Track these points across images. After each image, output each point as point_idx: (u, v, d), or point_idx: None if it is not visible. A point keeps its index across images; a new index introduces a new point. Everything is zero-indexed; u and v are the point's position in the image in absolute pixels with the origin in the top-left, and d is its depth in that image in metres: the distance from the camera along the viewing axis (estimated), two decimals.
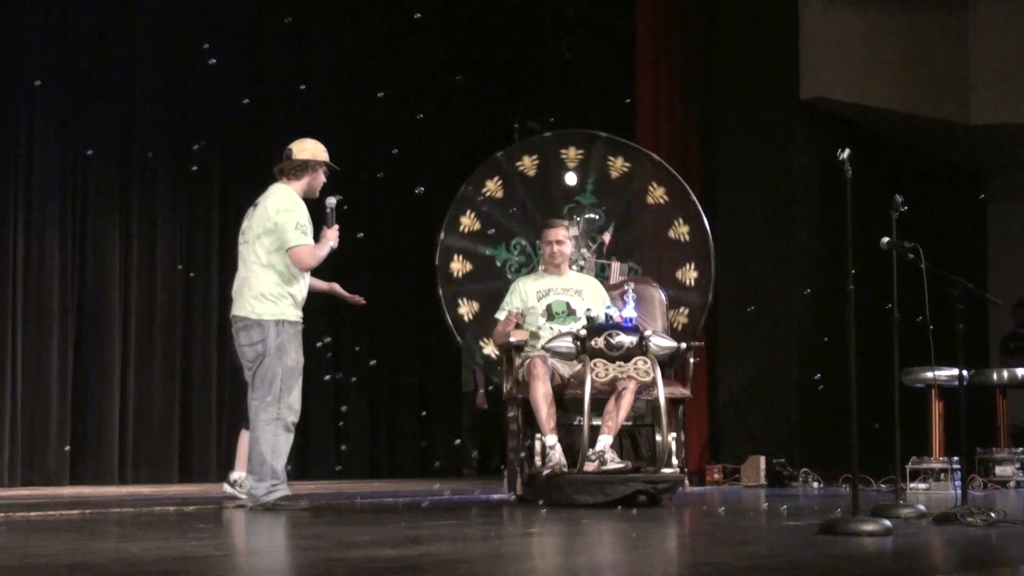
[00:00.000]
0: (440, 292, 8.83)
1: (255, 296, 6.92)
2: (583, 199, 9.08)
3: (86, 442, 10.23)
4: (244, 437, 7.34)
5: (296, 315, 7.01)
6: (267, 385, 6.88)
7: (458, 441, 12.39)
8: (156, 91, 10.77)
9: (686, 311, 8.89)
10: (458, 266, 8.91)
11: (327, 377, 11.06)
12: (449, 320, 8.80)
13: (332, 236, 7.09)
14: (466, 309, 8.85)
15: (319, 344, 10.53)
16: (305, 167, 7.10)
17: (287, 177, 7.11)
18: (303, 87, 11.15)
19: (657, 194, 9.14)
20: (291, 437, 6.97)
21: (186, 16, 10.87)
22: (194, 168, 10.60)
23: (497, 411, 11.67)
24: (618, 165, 9.15)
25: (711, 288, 8.96)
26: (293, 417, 6.95)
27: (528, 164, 9.13)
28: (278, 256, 6.93)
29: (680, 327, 8.78)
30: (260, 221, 6.96)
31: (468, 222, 8.98)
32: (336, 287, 7.56)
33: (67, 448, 9.99)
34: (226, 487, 7.51)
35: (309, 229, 6.98)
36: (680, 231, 9.09)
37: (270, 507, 6.79)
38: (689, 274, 9.00)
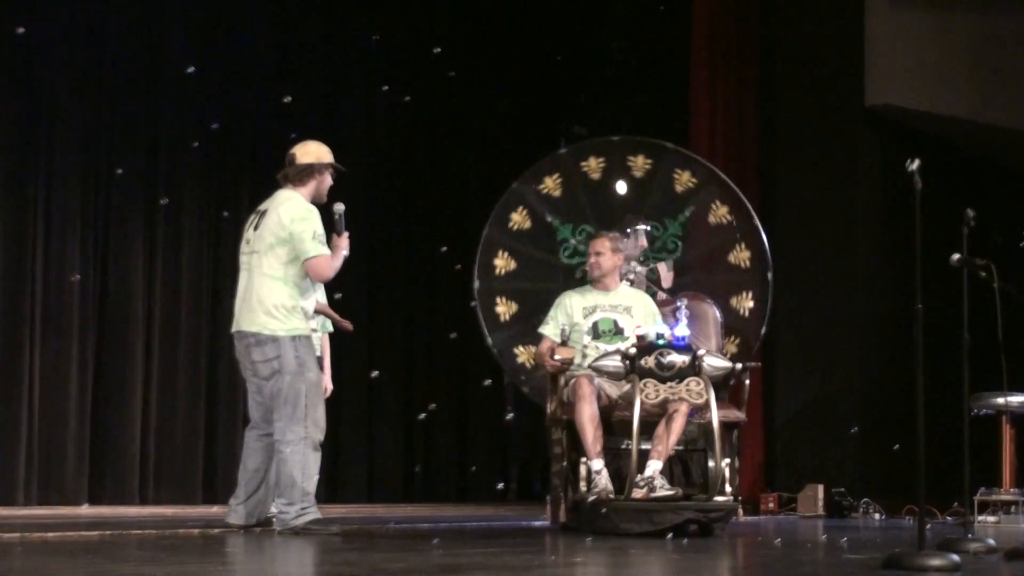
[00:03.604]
0: (485, 232, 8.83)
1: (266, 311, 6.92)
2: (672, 227, 9.08)
3: (106, 460, 10.30)
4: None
5: (308, 329, 7.03)
6: (291, 404, 6.89)
7: (501, 485, 12.31)
8: (182, 98, 10.84)
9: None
10: (518, 218, 8.91)
11: (374, 374, 11.10)
12: (477, 264, 8.81)
13: (344, 244, 7.09)
14: (501, 262, 8.85)
15: (372, 375, 10.62)
16: (310, 171, 7.10)
17: (292, 183, 7.10)
18: (337, 94, 11.23)
19: (742, 256, 9.13)
20: (319, 456, 6.99)
21: (217, 27, 10.97)
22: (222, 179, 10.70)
23: (526, 432, 11.71)
24: (721, 213, 9.15)
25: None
26: (320, 435, 6.97)
27: (639, 164, 9.14)
28: (293, 267, 6.94)
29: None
30: (272, 230, 6.95)
31: (551, 184, 8.99)
32: (326, 307, 7.72)
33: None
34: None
35: (324, 238, 7.00)
36: (744, 304, 9.07)
37: (299, 531, 6.81)
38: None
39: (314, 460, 6.93)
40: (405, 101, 11.83)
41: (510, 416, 12.28)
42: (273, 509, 7.06)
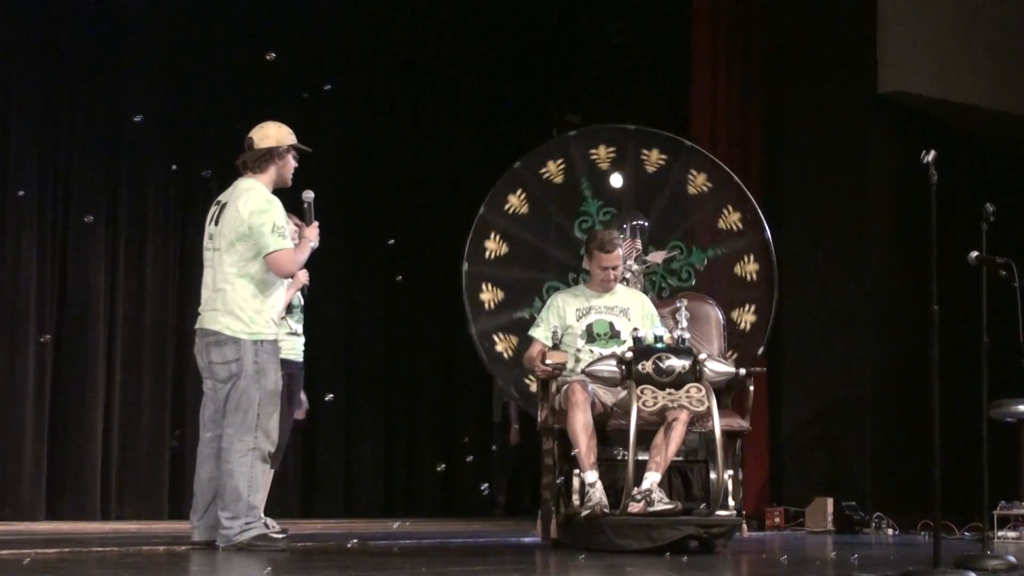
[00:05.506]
0: (480, 212, 8.79)
1: (229, 311, 6.89)
2: (695, 256, 9.05)
3: (65, 472, 10.28)
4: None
5: (274, 333, 7.01)
6: (243, 411, 6.87)
7: (485, 487, 12.30)
8: (147, 88, 10.84)
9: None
10: (516, 202, 8.88)
11: (329, 397, 11.08)
12: (468, 245, 8.78)
13: (312, 235, 7.10)
14: (493, 245, 8.81)
15: (327, 399, 10.56)
16: (270, 156, 7.05)
17: (251, 171, 7.06)
18: (314, 83, 11.25)
19: (748, 268, 9.10)
20: (268, 469, 6.98)
21: (181, 20, 10.98)
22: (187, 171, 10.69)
23: (530, 444, 11.71)
24: (732, 220, 9.15)
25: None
26: (270, 447, 6.93)
27: (653, 159, 9.11)
28: (255, 264, 6.92)
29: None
30: (232, 225, 6.92)
31: (553, 168, 8.98)
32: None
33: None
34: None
35: (287, 230, 6.96)
36: (745, 318, 9.05)
37: (244, 547, 6.79)
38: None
39: (262, 472, 6.91)
40: (384, 91, 11.84)
41: (515, 429, 12.28)
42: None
